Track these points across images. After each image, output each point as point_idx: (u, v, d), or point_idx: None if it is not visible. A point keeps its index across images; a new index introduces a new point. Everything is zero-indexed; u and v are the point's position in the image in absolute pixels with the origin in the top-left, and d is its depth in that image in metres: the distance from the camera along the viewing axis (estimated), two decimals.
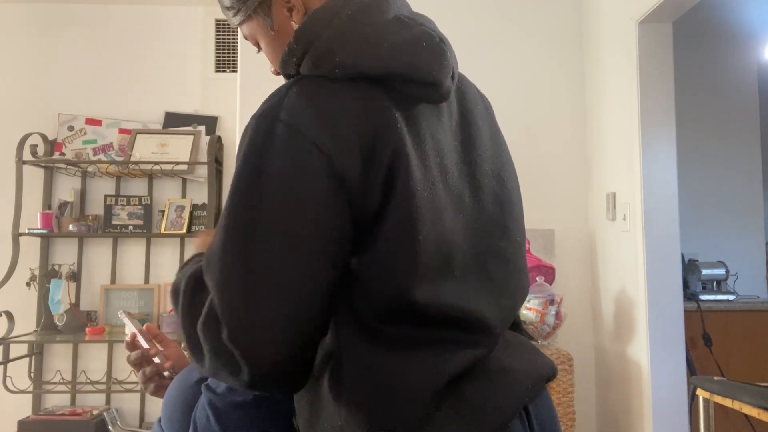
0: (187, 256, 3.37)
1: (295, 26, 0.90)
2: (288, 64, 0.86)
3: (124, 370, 3.28)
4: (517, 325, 0.97)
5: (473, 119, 0.92)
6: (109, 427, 3.09)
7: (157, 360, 1.15)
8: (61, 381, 3.29)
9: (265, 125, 0.76)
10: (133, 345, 1.17)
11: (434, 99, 0.83)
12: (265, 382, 0.75)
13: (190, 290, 0.82)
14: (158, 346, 1.19)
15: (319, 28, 0.82)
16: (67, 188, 3.41)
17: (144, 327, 1.19)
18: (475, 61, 2.88)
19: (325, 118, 0.75)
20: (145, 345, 1.16)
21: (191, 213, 3.31)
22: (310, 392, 0.81)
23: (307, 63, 0.82)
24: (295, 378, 0.78)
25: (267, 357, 0.73)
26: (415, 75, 0.80)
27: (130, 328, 1.17)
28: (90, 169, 3.35)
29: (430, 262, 0.77)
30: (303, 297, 0.74)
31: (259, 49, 0.99)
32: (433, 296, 0.77)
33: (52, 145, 3.36)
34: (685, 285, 3.19)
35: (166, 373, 1.15)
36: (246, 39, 1.00)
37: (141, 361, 1.16)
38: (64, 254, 3.37)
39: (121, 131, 3.39)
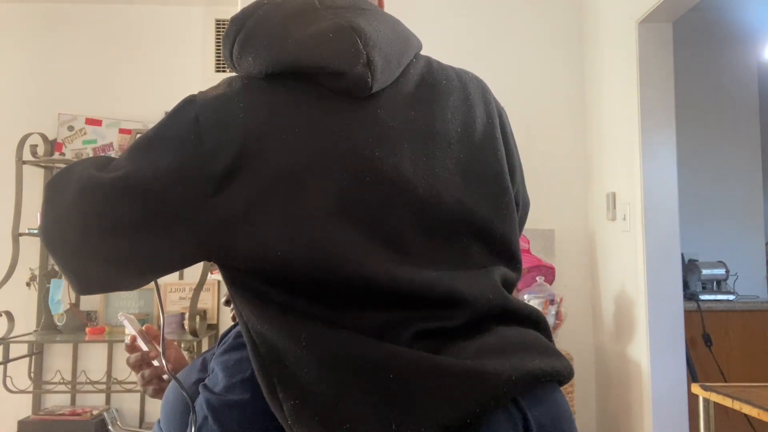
0: None
1: None
2: (230, 67, 0.90)
3: (124, 370, 3.27)
4: (533, 323, 0.90)
5: (437, 112, 0.89)
6: (109, 427, 3.09)
7: (156, 363, 1.15)
8: (61, 381, 3.29)
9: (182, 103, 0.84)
10: (132, 347, 1.17)
11: (346, 89, 0.82)
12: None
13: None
14: (158, 347, 1.19)
15: (245, 19, 0.86)
16: None
17: (143, 327, 1.19)
18: (474, 61, 2.87)
19: (221, 105, 0.80)
20: (144, 347, 1.16)
21: None
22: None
23: (235, 62, 0.87)
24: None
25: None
26: (316, 66, 0.81)
27: (129, 330, 1.17)
28: None
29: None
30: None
31: None
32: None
33: (52, 145, 3.35)
34: (685, 285, 3.19)
35: (165, 376, 1.15)
36: None
37: (140, 364, 1.16)
38: None
39: (121, 131, 3.39)
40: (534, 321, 0.89)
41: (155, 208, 0.78)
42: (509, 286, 0.92)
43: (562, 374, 0.83)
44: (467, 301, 0.82)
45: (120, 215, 0.78)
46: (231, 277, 0.83)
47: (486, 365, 0.76)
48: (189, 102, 0.82)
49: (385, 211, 0.81)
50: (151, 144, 0.80)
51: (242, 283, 0.81)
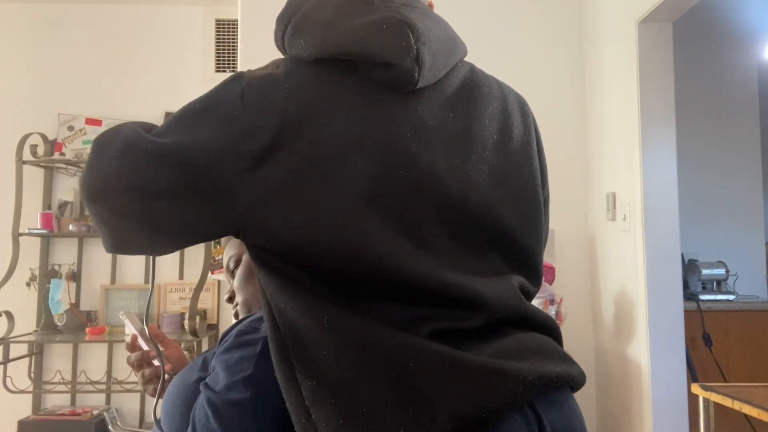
0: (188, 254, 3.38)
1: None
2: (279, 49, 0.93)
3: (124, 370, 3.28)
4: (547, 329, 0.91)
5: (475, 117, 0.90)
6: (109, 427, 3.09)
7: (156, 362, 1.15)
8: (61, 381, 3.29)
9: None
10: (133, 346, 1.17)
11: (393, 81, 0.83)
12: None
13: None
14: (159, 346, 1.19)
15: (302, 3, 0.89)
16: (67, 188, 3.41)
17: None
18: (474, 60, 2.87)
19: (267, 84, 0.81)
20: (145, 347, 1.16)
21: None
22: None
23: (286, 44, 0.89)
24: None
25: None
26: (366, 55, 0.82)
27: (130, 329, 1.17)
28: None
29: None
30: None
31: None
32: None
33: (52, 145, 3.36)
34: (685, 285, 3.19)
35: (166, 376, 1.15)
36: None
37: (141, 363, 1.16)
38: (64, 254, 3.37)
39: None
40: (548, 328, 0.90)
41: (193, 178, 0.79)
42: (527, 295, 0.92)
43: (576, 380, 0.85)
44: (486, 304, 0.82)
45: (159, 179, 0.79)
46: (257, 255, 0.84)
47: (504, 364, 0.77)
48: (236, 78, 0.83)
49: (413, 207, 0.82)
50: (197, 115, 0.82)
51: (268, 262, 0.82)
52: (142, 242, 0.87)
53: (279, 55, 0.92)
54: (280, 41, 0.91)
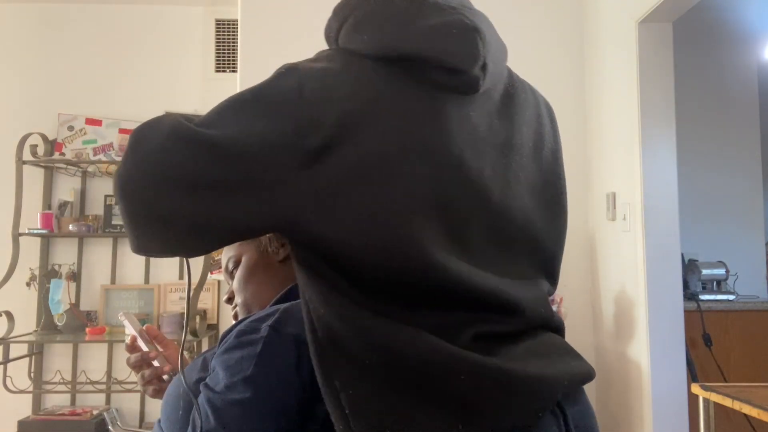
0: None
1: None
2: (329, 39, 0.89)
3: (124, 370, 3.28)
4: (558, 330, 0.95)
5: (516, 124, 0.90)
6: (109, 427, 3.09)
7: (156, 363, 1.15)
8: (61, 381, 3.29)
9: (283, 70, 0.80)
10: (133, 347, 1.17)
11: (457, 87, 0.82)
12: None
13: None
14: (158, 347, 1.19)
15: (354, 6, 0.85)
16: (67, 188, 3.41)
17: (144, 327, 1.19)
18: None
19: (326, 79, 0.77)
20: (144, 348, 1.16)
21: None
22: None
23: (342, 37, 0.85)
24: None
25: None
26: (437, 59, 0.80)
27: (129, 330, 1.18)
28: (90, 169, 3.35)
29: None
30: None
31: None
32: None
33: (52, 145, 3.36)
34: (685, 285, 3.18)
35: (165, 377, 1.15)
36: None
37: (141, 364, 1.16)
38: (64, 254, 3.37)
39: (121, 131, 3.39)
40: (560, 329, 0.94)
41: (241, 173, 0.74)
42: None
43: (592, 376, 0.90)
44: (524, 311, 0.84)
45: (205, 172, 0.74)
46: (301, 256, 0.81)
47: (544, 371, 0.80)
48: (291, 69, 0.78)
49: (462, 213, 0.81)
50: (248, 107, 0.76)
51: (311, 264, 0.79)
52: (175, 242, 0.80)
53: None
54: (335, 33, 0.87)
